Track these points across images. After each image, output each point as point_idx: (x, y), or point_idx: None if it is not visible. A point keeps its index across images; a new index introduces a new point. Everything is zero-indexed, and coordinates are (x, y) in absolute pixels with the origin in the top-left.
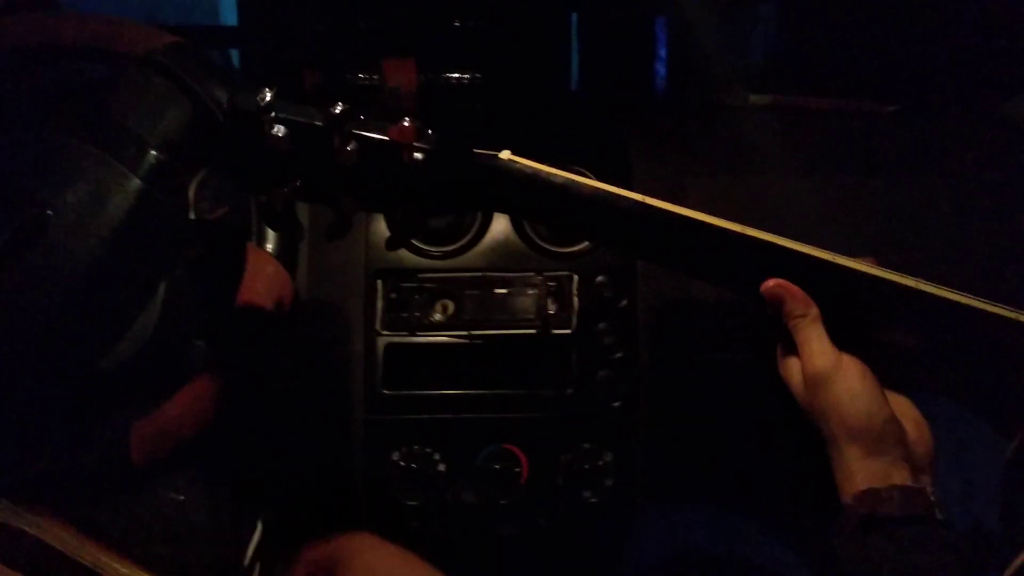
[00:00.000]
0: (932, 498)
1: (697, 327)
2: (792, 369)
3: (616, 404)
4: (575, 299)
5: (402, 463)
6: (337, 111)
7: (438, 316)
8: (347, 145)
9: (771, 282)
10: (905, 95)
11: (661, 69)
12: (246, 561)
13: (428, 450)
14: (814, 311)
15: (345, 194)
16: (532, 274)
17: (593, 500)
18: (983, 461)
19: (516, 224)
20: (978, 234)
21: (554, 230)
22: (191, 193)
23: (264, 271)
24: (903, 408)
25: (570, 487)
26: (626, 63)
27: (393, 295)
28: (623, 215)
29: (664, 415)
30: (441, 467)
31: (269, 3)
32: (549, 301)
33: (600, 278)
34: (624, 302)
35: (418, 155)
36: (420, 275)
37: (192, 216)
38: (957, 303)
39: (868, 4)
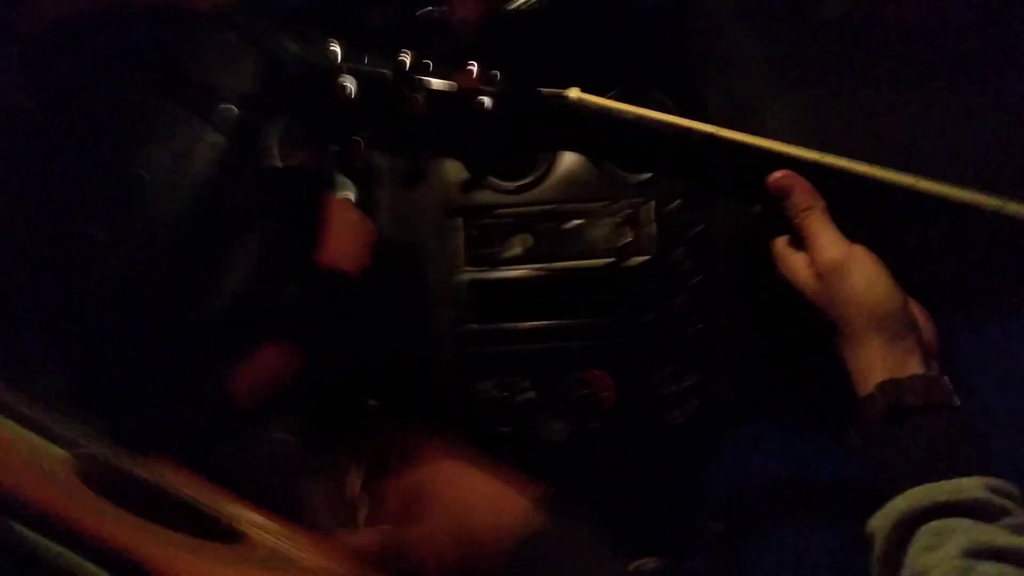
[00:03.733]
0: (950, 386)
1: None
2: (798, 265)
3: (697, 328)
4: (651, 226)
5: (492, 391)
6: (405, 61)
7: (517, 250)
8: (416, 94)
9: (779, 173)
10: None
11: None
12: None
13: (516, 379)
14: (821, 203)
15: (417, 142)
16: (607, 203)
17: (679, 421)
18: None
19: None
20: None
21: (627, 166)
22: (274, 145)
23: (346, 219)
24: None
25: (656, 409)
26: None
27: (473, 232)
28: (694, 148)
29: (744, 338)
30: (530, 394)
31: None
32: (625, 229)
33: (675, 203)
34: (701, 226)
35: (486, 99)
36: (497, 211)
37: (277, 164)
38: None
39: None
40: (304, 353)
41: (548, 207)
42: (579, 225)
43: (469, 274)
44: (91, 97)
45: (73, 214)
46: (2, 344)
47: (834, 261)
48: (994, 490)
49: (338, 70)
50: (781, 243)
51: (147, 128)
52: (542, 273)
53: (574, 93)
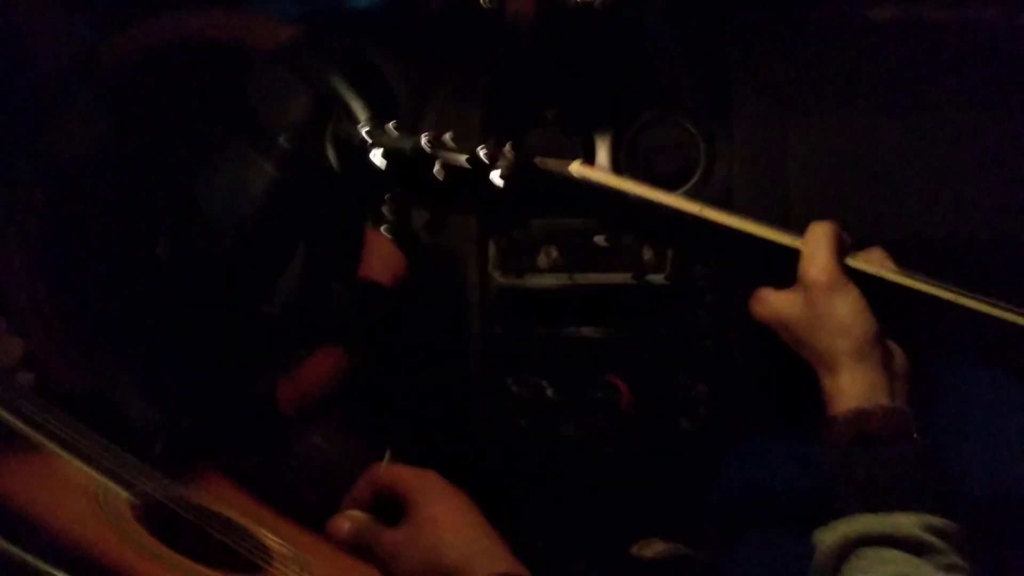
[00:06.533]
0: (910, 417)
1: None
2: (783, 297)
3: (709, 342)
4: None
5: (515, 388)
6: (423, 140)
7: (544, 261)
8: (434, 166)
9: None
10: None
11: None
12: None
13: (539, 380)
14: (835, 231)
15: (438, 202)
16: None
17: (688, 427)
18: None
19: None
20: None
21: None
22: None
23: (381, 250)
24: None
25: (667, 415)
26: None
27: (503, 243)
28: (690, 224)
29: (755, 353)
30: (552, 395)
31: None
32: (647, 248)
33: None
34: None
35: (495, 174)
36: (528, 224)
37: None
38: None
39: None
40: (350, 358)
41: (576, 222)
42: (603, 241)
43: (498, 281)
44: (162, 125)
45: (141, 234)
46: (79, 348)
47: (822, 283)
48: (930, 529)
49: (366, 143)
50: (765, 289)
51: (209, 158)
52: (567, 284)
53: (575, 167)
